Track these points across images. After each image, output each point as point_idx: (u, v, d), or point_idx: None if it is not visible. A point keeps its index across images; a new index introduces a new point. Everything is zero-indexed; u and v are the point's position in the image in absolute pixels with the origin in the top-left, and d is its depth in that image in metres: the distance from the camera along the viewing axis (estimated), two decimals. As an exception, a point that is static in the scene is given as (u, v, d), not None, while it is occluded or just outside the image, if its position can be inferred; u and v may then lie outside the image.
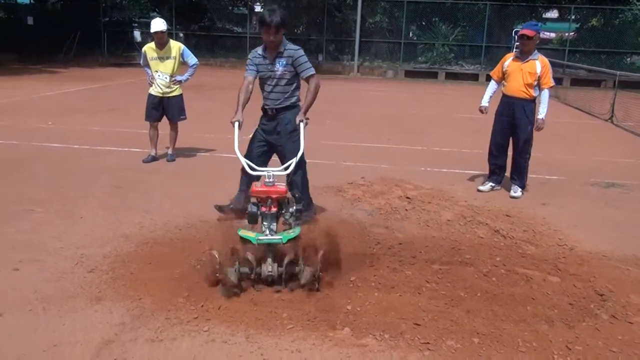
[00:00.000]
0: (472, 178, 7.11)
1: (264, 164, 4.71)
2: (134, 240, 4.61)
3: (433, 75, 23.81)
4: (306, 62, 4.73)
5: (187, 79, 7.40)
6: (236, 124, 4.47)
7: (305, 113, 4.63)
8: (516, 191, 6.40)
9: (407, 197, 6.05)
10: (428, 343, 3.20)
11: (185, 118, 7.55)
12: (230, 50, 26.57)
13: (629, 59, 25.40)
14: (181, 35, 26.69)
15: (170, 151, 7.56)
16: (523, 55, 6.28)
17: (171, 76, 7.25)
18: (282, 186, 3.89)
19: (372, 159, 8.06)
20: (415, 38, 26.66)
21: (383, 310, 3.54)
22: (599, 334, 3.37)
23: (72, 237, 4.63)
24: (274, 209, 3.82)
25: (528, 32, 6.10)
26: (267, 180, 3.87)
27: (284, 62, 4.68)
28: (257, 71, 4.74)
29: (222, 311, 3.46)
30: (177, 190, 6.11)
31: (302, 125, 4.53)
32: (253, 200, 3.89)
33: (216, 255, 3.63)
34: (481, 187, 6.61)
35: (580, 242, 4.95)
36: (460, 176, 7.23)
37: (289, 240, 3.67)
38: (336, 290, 3.75)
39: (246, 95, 4.64)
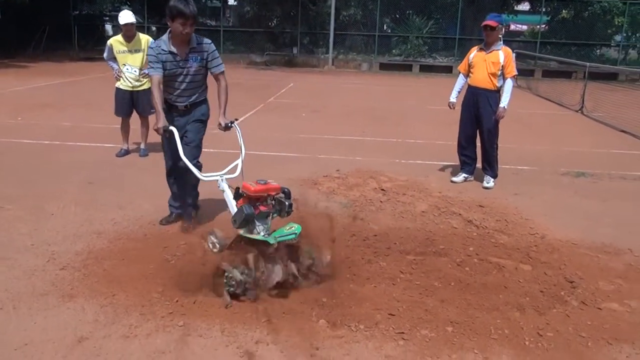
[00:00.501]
0: (446, 169, 7.18)
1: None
2: (107, 237, 4.55)
3: (407, 67, 23.91)
4: (219, 57, 4.51)
5: None
6: (174, 130, 4.11)
7: (225, 114, 4.42)
8: (489, 182, 6.49)
9: (382, 189, 6.09)
10: (403, 333, 3.24)
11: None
12: (204, 43, 26.27)
13: (598, 50, 25.86)
14: (154, 28, 26.33)
15: (142, 146, 7.48)
16: (487, 46, 6.37)
17: (140, 69, 7.15)
18: (274, 182, 3.74)
19: (347, 151, 8.08)
20: (389, 31, 26.75)
21: (358, 302, 3.56)
22: (569, 320, 3.45)
23: (43, 235, 4.56)
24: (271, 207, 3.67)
25: (491, 22, 6.19)
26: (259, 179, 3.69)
27: (199, 58, 4.36)
28: (164, 69, 4.29)
29: (197, 305, 3.45)
30: (150, 185, 6.04)
31: (237, 127, 4.27)
32: (245, 200, 3.67)
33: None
34: (454, 179, 6.68)
35: (551, 231, 5.04)
36: (434, 168, 7.29)
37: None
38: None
39: (161, 94, 4.27)
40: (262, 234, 3.53)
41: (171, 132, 4.14)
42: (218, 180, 3.85)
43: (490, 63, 6.29)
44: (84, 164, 6.82)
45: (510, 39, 25.36)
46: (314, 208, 4.91)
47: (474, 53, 6.49)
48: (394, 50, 25.58)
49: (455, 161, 6.97)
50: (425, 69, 23.70)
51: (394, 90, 17.14)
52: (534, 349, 3.15)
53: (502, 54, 6.27)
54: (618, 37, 25.60)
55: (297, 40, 25.26)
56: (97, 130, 8.81)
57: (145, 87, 7.26)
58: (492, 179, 6.52)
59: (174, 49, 4.27)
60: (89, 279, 3.79)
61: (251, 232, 3.55)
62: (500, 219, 5.29)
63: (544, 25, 25.82)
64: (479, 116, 6.45)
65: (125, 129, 7.41)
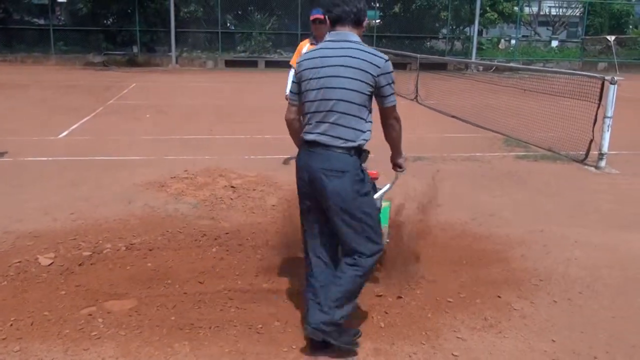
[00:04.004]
0: (293, 163, 7.30)
1: None
2: None
3: (253, 64, 24.01)
4: None
5: None
6: None
7: None
8: (335, 171, 6.71)
9: (232, 187, 6.06)
10: (259, 327, 3.26)
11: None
12: (32, 44, 24.20)
13: (428, 42, 27.93)
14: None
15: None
16: (317, 40, 6.50)
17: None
18: None
19: (195, 151, 7.92)
20: (232, 27, 26.63)
21: (207, 297, 3.55)
22: (415, 298, 3.70)
23: None
24: None
25: (320, 15, 6.25)
26: None
27: None
28: None
29: (35, 327, 3.19)
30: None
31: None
32: None
33: None
34: (303, 171, 6.82)
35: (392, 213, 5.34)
36: (282, 161, 7.40)
37: None
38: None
39: None
40: None
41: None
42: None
43: None
44: None
45: (350, 34, 26.44)
46: None
47: (305, 48, 6.58)
48: (238, 47, 25.51)
49: (303, 154, 7.12)
50: (271, 64, 23.93)
51: (240, 87, 17.12)
52: (383, 327, 3.33)
53: None
54: (444, 30, 27.86)
55: (137, 38, 24.16)
56: None
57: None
58: (338, 169, 6.75)
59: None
60: None
61: None
62: (347, 206, 5.50)
63: (378, 21, 27.28)
64: None
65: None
